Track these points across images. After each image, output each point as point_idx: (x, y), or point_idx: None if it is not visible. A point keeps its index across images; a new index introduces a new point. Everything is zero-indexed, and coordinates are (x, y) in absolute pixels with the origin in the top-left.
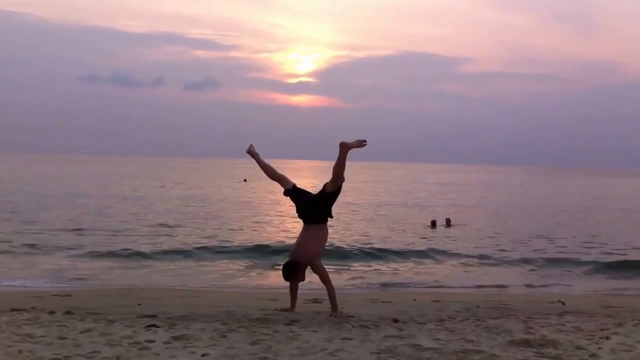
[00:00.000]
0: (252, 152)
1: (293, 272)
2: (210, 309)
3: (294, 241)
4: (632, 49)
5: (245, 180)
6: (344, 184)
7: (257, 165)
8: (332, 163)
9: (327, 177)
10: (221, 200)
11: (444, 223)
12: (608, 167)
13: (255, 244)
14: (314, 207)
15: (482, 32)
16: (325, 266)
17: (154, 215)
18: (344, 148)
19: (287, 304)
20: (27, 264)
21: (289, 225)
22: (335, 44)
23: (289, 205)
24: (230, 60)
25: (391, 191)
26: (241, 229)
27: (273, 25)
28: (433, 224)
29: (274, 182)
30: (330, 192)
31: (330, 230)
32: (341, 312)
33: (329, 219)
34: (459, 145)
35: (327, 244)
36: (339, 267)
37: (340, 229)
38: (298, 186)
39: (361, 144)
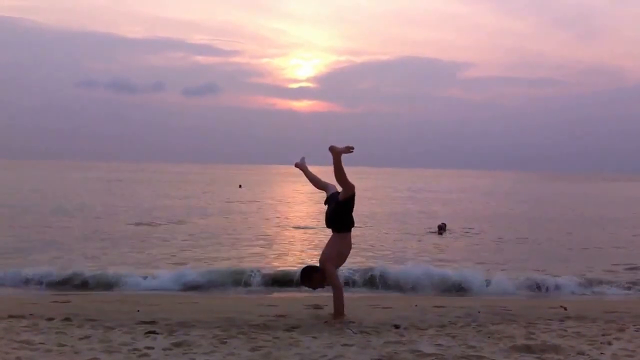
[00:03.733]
0: (301, 166)
1: (306, 277)
2: (210, 315)
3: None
4: (633, 52)
5: (240, 186)
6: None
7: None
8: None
9: (328, 182)
10: (214, 210)
11: (442, 228)
12: (610, 172)
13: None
14: (331, 215)
15: (483, 36)
16: None
17: (151, 225)
18: (335, 153)
19: (287, 309)
20: None
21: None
22: (335, 49)
23: (282, 214)
24: (231, 66)
25: (391, 197)
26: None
27: (273, 30)
28: (440, 229)
29: (273, 188)
30: (342, 201)
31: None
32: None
33: (351, 228)
34: (460, 150)
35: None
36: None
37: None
38: (335, 193)
39: (348, 150)
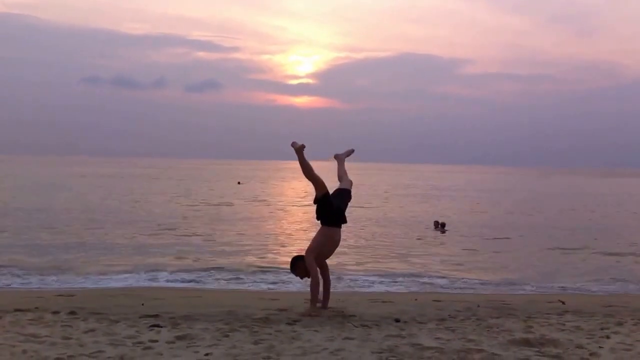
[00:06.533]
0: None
1: (292, 266)
2: (213, 308)
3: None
4: (630, 49)
5: (239, 183)
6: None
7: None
8: (330, 164)
9: (323, 177)
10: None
11: (435, 226)
12: (607, 167)
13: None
14: (316, 210)
15: (481, 33)
16: None
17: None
18: (295, 150)
19: (288, 303)
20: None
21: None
22: (335, 45)
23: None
24: (232, 62)
25: (390, 194)
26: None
27: (274, 27)
28: (442, 226)
29: (267, 186)
30: (319, 199)
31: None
32: (342, 311)
33: (339, 225)
34: (458, 145)
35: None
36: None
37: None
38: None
39: (303, 146)
